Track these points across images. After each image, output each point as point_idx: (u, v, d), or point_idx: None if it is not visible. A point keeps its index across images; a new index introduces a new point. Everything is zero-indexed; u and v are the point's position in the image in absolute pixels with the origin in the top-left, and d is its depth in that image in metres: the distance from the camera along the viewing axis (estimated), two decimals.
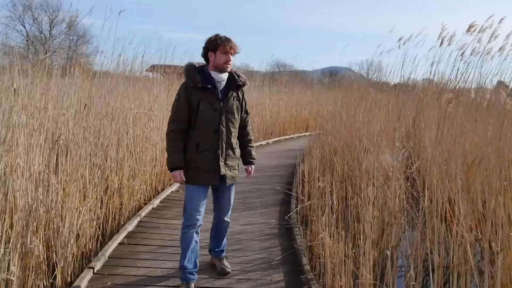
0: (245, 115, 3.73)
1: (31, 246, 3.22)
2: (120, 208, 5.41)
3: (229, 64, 3.50)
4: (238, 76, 3.61)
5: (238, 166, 3.71)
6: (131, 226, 5.04)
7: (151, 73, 13.81)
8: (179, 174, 3.44)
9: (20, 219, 3.23)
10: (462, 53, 7.70)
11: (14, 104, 3.51)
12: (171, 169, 3.48)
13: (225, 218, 3.83)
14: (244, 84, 3.62)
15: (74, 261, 3.89)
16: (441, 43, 7.91)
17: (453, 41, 7.64)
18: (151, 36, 11.04)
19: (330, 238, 3.78)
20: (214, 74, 3.50)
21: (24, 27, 38.23)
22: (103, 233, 4.78)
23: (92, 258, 4.08)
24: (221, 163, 3.50)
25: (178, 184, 6.91)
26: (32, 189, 3.41)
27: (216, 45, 3.45)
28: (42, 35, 38.27)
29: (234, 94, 3.56)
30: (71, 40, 38.16)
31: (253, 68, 31.32)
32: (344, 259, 3.38)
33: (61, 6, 38.74)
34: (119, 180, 5.64)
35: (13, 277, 2.93)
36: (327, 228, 3.93)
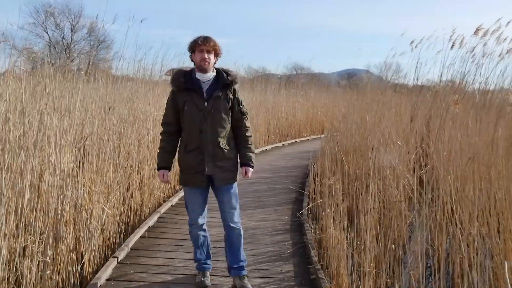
0: (239, 115, 3.59)
1: (63, 235, 3.55)
2: (141, 204, 5.75)
3: (206, 61, 3.44)
4: (228, 75, 3.54)
5: (234, 167, 3.62)
6: (151, 221, 5.38)
7: (169, 77, 14.05)
8: (163, 174, 3.55)
9: (52, 211, 3.57)
10: (473, 55, 7.88)
11: (46, 106, 3.86)
12: (158, 169, 3.59)
13: (232, 224, 3.63)
14: (233, 82, 3.53)
15: (100, 251, 4.22)
16: (452, 45, 8.10)
17: (463, 43, 7.81)
18: (170, 41, 11.42)
19: (335, 230, 4.03)
20: (199, 75, 3.50)
21: (47, 33, 39.12)
22: (125, 227, 5.11)
23: (116, 249, 4.40)
24: (208, 164, 3.46)
25: None
26: (63, 185, 3.75)
27: (194, 45, 3.47)
28: (64, 40, 39.17)
29: (220, 93, 3.49)
30: (91, 45, 38.95)
31: (270, 71, 31.59)
32: (347, 247, 3.64)
33: (82, 12, 39.64)
34: (140, 179, 5.98)
35: (49, 259, 3.27)
36: (332, 221, 4.19)
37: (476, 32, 7.10)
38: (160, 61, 8.08)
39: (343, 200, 4.44)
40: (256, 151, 12.07)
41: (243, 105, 3.63)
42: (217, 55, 3.53)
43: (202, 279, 3.75)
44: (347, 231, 3.97)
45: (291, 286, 3.85)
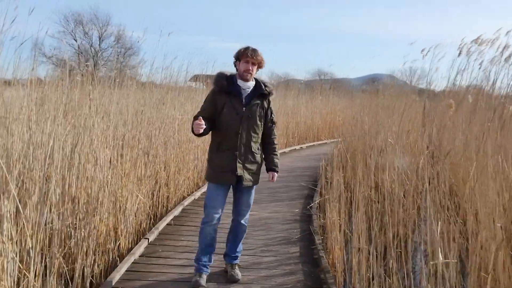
0: (270, 124, 3.88)
1: (104, 216, 4.27)
2: (167, 197, 6.46)
3: (249, 73, 3.70)
4: (265, 86, 3.81)
5: (259, 171, 3.86)
6: (176, 212, 6.08)
7: (194, 83, 14.97)
8: (199, 119, 3.49)
9: (95, 196, 4.28)
10: (481, 62, 8.33)
11: (90, 110, 4.61)
12: (193, 123, 3.56)
13: (242, 221, 3.93)
14: (269, 94, 3.83)
15: (133, 234, 4.93)
16: (459, 53, 8.57)
17: (471, 51, 8.26)
18: (195, 48, 12.22)
19: (332, 216, 4.65)
20: (240, 82, 3.75)
21: (76, 41, 40.54)
22: (154, 217, 5.82)
23: (147, 233, 5.11)
24: (239, 164, 3.69)
25: None
26: (104, 174, 4.47)
27: (240, 55, 3.72)
28: (92, 48, 40.55)
29: (258, 101, 3.77)
30: (118, 53, 40.17)
31: (293, 77, 32.16)
32: (340, 225, 4.25)
33: (110, 20, 41.01)
34: (166, 175, 6.70)
35: (94, 236, 3.98)
36: (333, 209, 4.80)
37: (476, 40, 7.60)
38: (185, 68, 8.84)
39: (346, 192, 5.03)
40: None
41: (274, 115, 3.93)
42: (260, 67, 3.79)
43: (198, 279, 3.81)
44: (344, 216, 4.58)
45: (296, 263, 4.49)
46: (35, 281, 2.95)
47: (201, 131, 3.50)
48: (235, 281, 3.94)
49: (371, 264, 3.43)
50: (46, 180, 3.58)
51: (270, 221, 5.98)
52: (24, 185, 3.68)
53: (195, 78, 18.58)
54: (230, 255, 4.07)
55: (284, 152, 13.38)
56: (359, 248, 3.80)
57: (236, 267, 4.07)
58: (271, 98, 3.88)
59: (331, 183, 5.86)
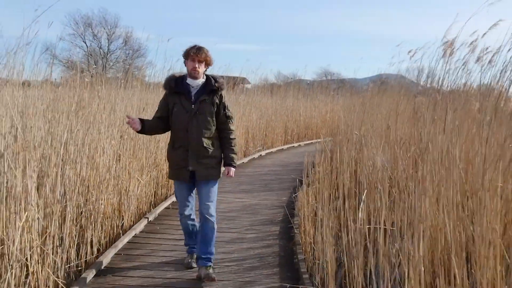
0: (224, 118, 3.94)
1: (110, 196, 5.01)
2: (168, 185, 7.19)
3: (195, 71, 3.82)
4: (216, 81, 3.90)
5: (216, 165, 3.95)
6: (175, 198, 6.81)
7: None
8: (132, 119, 3.80)
9: (103, 182, 5.02)
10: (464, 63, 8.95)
11: (98, 107, 5.36)
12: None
13: (207, 216, 3.86)
14: (219, 89, 3.89)
15: (135, 213, 5.67)
16: (443, 54, 9.19)
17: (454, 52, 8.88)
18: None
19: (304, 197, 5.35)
20: (189, 80, 3.89)
21: (85, 43, 41.51)
22: (155, 202, 6.56)
23: (147, 213, 5.85)
24: (191, 160, 3.81)
25: None
26: (110, 163, 5.21)
27: (187, 54, 3.86)
28: (101, 50, 41.49)
29: (207, 97, 3.85)
30: (126, 54, 41.03)
31: (300, 77, 32.71)
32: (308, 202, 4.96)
33: (118, 23, 41.92)
34: (167, 166, 7.42)
35: (102, 213, 4.72)
36: (305, 193, 5.51)
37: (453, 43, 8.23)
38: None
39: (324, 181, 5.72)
40: (273, 149, 13.47)
41: (229, 110, 3.98)
42: (208, 64, 3.91)
43: (190, 260, 4.21)
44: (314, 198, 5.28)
45: (274, 239, 5.21)
46: (53, 240, 3.70)
47: (137, 129, 3.79)
48: (211, 279, 3.84)
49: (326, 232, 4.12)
50: (62, 165, 4.31)
51: (258, 207, 6.70)
52: (44, 167, 4.42)
53: None
54: (201, 257, 3.94)
55: (282, 149, 14.09)
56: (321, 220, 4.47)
57: (210, 269, 3.94)
58: (223, 93, 3.94)
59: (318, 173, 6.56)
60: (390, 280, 2.74)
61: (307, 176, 6.73)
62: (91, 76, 7.52)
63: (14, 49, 4.39)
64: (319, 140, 17.38)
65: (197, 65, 3.82)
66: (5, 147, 3.78)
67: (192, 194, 4.05)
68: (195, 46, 3.87)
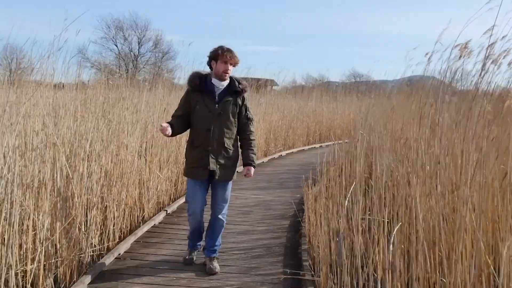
0: (245, 120, 4.01)
1: (131, 189, 5.45)
2: (186, 180, 7.60)
3: (227, 73, 3.86)
4: (239, 84, 3.95)
5: (233, 167, 4.02)
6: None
7: None
8: (162, 125, 3.77)
9: (125, 176, 5.46)
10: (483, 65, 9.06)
11: (122, 107, 5.82)
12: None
13: (219, 216, 4.05)
14: (242, 91, 3.95)
15: (155, 207, 6.11)
16: (460, 56, 9.33)
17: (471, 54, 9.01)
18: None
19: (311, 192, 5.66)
20: (214, 81, 3.90)
21: (116, 46, 42.78)
22: (174, 196, 6.98)
23: (166, 206, 6.27)
24: (211, 160, 3.84)
25: None
26: (132, 159, 5.66)
27: (217, 55, 3.83)
28: (131, 53, 42.62)
29: (230, 98, 3.91)
30: (156, 57, 41.99)
31: (329, 79, 32.81)
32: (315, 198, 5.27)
33: (148, 26, 42.98)
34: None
35: (124, 203, 5.16)
36: (315, 188, 5.82)
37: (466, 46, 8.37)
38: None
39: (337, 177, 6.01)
40: (293, 150, 13.78)
41: (250, 112, 4.06)
42: (234, 66, 3.95)
43: (188, 256, 4.30)
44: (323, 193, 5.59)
45: (283, 232, 5.55)
46: (79, 226, 4.14)
47: (169, 134, 3.81)
48: (213, 273, 4.04)
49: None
50: (88, 159, 4.77)
51: (272, 203, 7.05)
52: (72, 162, 4.89)
53: None
54: (208, 249, 4.19)
55: (303, 150, 14.38)
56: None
57: (215, 260, 4.15)
58: (245, 95, 4.02)
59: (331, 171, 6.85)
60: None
61: (320, 175, 7.02)
62: (119, 77, 8.04)
63: (47, 54, 4.89)
64: (340, 141, 17.65)
65: (229, 68, 3.86)
66: (37, 143, 4.25)
67: (205, 194, 4.05)
68: (224, 48, 3.86)
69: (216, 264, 4.12)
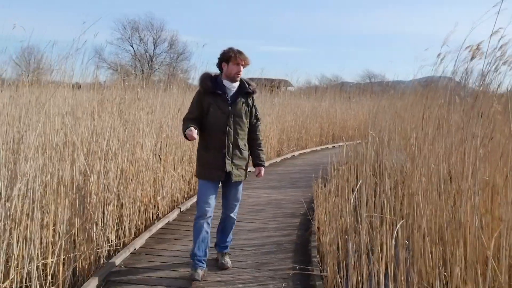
0: (254, 121, 4.08)
1: (146, 186, 5.62)
2: None
3: (239, 75, 3.89)
4: (249, 85, 4.00)
5: (246, 167, 4.08)
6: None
7: None
8: (191, 130, 3.66)
9: (140, 174, 5.63)
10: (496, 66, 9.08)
11: (138, 107, 6.00)
12: (184, 134, 3.75)
13: (231, 215, 4.14)
14: (253, 92, 4.01)
15: (170, 204, 6.28)
16: (472, 57, 9.35)
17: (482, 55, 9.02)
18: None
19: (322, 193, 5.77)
20: (226, 82, 3.92)
21: (132, 47, 43.19)
22: (187, 195, 7.15)
23: (180, 204, 6.44)
24: (227, 161, 3.87)
25: None
26: (147, 158, 5.83)
27: (229, 57, 3.84)
28: (147, 53, 43.03)
29: (243, 100, 3.96)
30: (171, 58, 42.33)
31: (343, 80, 32.74)
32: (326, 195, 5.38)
33: (164, 27, 43.37)
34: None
35: (139, 201, 5.34)
36: (325, 188, 5.93)
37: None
38: None
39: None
40: (306, 150, 13.89)
41: (258, 112, 4.14)
42: (245, 67, 3.96)
43: (193, 273, 3.89)
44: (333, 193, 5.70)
45: (293, 229, 5.67)
46: (96, 221, 4.32)
47: (196, 138, 3.73)
48: (225, 268, 4.17)
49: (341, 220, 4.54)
50: (105, 158, 4.95)
51: (283, 201, 7.18)
52: (89, 160, 5.07)
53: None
54: (220, 245, 4.33)
55: (316, 150, 14.47)
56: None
57: (227, 255, 4.30)
58: (255, 96, 4.09)
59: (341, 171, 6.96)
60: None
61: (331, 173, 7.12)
62: (135, 77, 8.23)
63: (66, 55, 5.08)
64: (353, 142, 17.68)
65: (241, 69, 3.89)
66: (56, 142, 4.44)
67: (217, 195, 4.04)
68: (235, 50, 3.88)
69: (227, 259, 4.25)
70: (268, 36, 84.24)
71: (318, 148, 14.88)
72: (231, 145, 3.89)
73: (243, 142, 3.99)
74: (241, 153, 3.97)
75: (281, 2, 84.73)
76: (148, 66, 39.49)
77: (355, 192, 3.52)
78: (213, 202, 3.97)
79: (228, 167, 3.88)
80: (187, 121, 3.87)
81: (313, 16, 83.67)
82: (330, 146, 15.72)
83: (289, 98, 15.86)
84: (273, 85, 18.19)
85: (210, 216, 3.98)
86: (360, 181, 3.56)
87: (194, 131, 3.66)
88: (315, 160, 12.16)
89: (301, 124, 14.55)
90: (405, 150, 6.38)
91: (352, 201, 3.60)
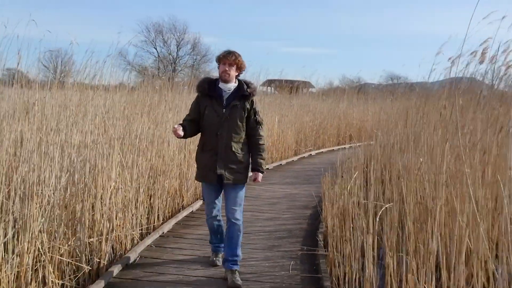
0: (254, 124, 3.96)
1: (173, 181, 6.29)
2: None
3: (226, 73, 3.86)
4: (248, 87, 3.93)
5: (243, 170, 3.96)
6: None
7: (268, 87, 16.55)
8: (175, 127, 3.79)
9: (168, 169, 6.29)
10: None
11: (165, 108, 6.68)
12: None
13: (233, 220, 3.94)
14: (251, 94, 3.92)
15: (193, 195, 6.94)
16: (481, 61, 9.71)
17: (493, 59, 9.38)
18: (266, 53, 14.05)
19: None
20: (221, 85, 3.93)
21: (156, 49, 44.20)
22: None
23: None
24: (219, 164, 3.84)
25: None
26: (174, 154, 6.50)
27: (218, 59, 3.94)
28: (170, 56, 44.01)
29: (238, 103, 3.88)
30: (194, 60, 43.19)
31: (365, 81, 32.87)
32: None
33: (187, 29, 44.27)
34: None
35: (166, 191, 6.00)
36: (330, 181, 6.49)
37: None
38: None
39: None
40: (323, 150, 14.43)
41: (259, 116, 4.01)
42: (239, 68, 3.94)
43: (214, 259, 4.37)
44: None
45: (305, 219, 6.27)
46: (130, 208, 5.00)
47: (181, 135, 3.84)
48: (237, 286, 3.85)
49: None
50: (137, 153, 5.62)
51: (297, 196, 7.78)
52: (124, 156, 5.75)
53: (269, 82, 20.34)
54: (228, 259, 4.01)
55: (333, 150, 14.99)
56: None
57: (236, 273, 3.97)
58: (254, 98, 4.00)
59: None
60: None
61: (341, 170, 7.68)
62: (161, 79, 8.91)
63: (99, 61, 5.78)
64: (371, 142, 18.11)
65: (227, 68, 3.87)
66: (96, 139, 5.12)
67: (219, 196, 4.12)
68: (225, 51, 3.93)
69: (237, 277, 3.93)
70: (290, 37, 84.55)
71: (335, 148, 15.39)
72: (223, 148, 3.87)
73: (238, 146, 3.92)
74: (235, 156, 3.90)
75: (302, 3, 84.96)
76: (171, 68, 40.46)
77: (351, 180, 4.11)
78: (216, 203, 4.11)
79: (219, 170, 3.86)
80: (183, 121, 4.05)
81: (335, 17, 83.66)
82: (347, 146, 16.15)
83: (307, 99, 16.40)
84: (292, 86, 18.76)
85: (218, 215, 4.16)
86: (356, 173, 4.14)
87: (178, 128, 3.79)
88: (331, 159, 12.66)
89: (319, 125, 15.09)
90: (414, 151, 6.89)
91: (348, 188, 4.18)
